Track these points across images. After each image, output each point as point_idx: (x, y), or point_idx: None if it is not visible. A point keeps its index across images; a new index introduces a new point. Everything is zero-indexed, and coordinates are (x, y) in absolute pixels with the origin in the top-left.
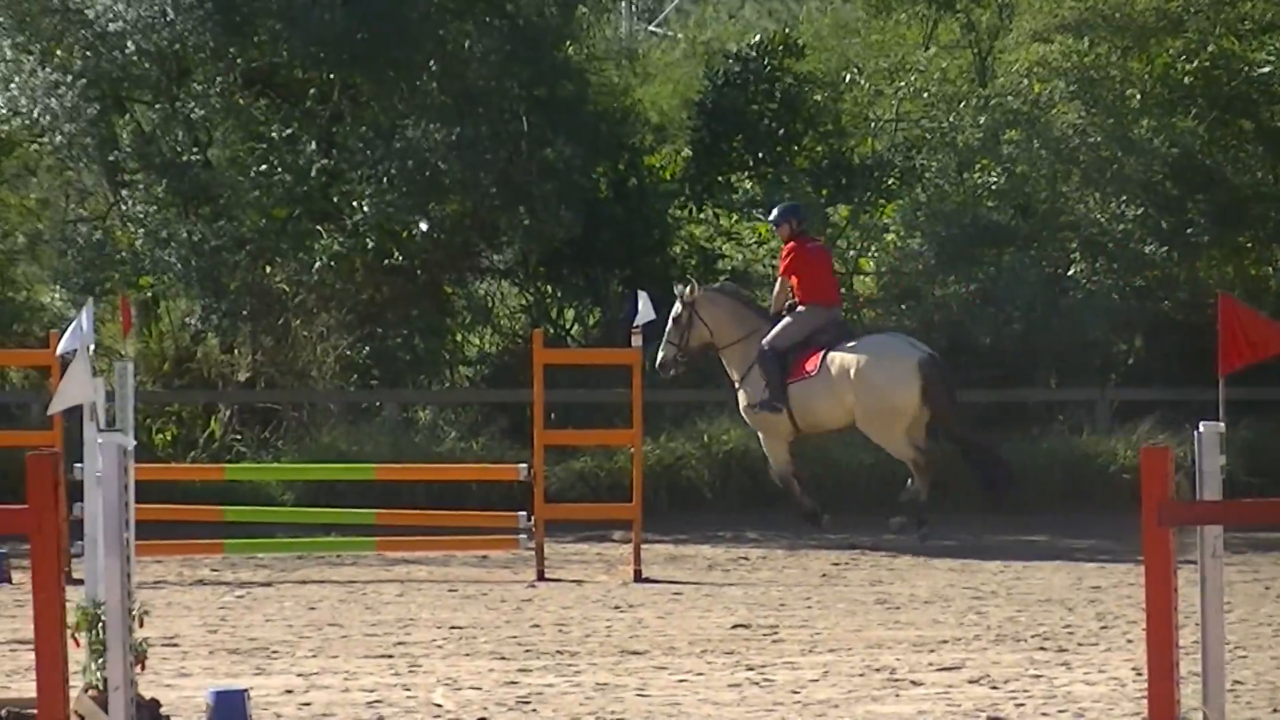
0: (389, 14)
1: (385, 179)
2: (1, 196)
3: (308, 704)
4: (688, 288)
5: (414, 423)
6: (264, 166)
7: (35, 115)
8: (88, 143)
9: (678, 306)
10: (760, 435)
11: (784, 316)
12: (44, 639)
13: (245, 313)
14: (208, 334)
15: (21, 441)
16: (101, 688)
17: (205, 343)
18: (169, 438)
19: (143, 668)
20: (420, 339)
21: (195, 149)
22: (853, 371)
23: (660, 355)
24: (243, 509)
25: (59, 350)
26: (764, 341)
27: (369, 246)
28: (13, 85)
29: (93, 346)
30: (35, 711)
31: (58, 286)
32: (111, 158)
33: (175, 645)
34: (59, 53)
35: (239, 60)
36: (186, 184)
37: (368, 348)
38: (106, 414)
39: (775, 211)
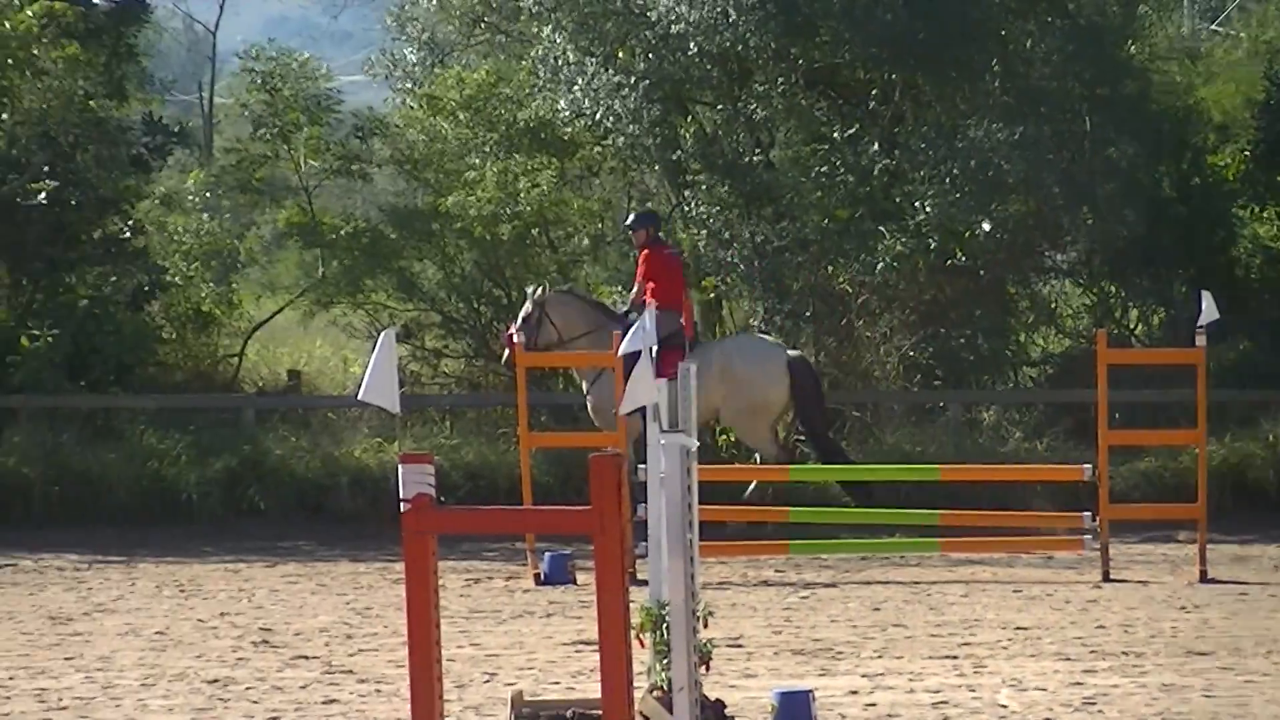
0: (951, 14)
1: (948, 179)
2: (565, 198)
3: (873, 704)
4: (539, 288)
5: (978, 423)
6: (826, 167)
7: (598, 117)
8: (650, 144)
9: (528, 306)
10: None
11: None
12: (608, 640)
13: (808, 313)
14: (771, 335)
15: (585, 442)
16: (666, 688)
17: None
18: (732, 439)
19: (707, 668)
20: (983, 339)
21: (757, 150)
22: (720, 368)
23: (506, 353)
24: (807, 510)
25: (621, 351)
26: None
27: (932, 247)
28: (576, 87)
29: (656, 348)
30: (600, 712)
31: (620, 287)
32: (674, 159)
33: (740, 646)
34: (621, 55)
35: (800, 61)
36: (749, 185)
37: (931, 348)
38: (669, 415)
39: (632, 217)
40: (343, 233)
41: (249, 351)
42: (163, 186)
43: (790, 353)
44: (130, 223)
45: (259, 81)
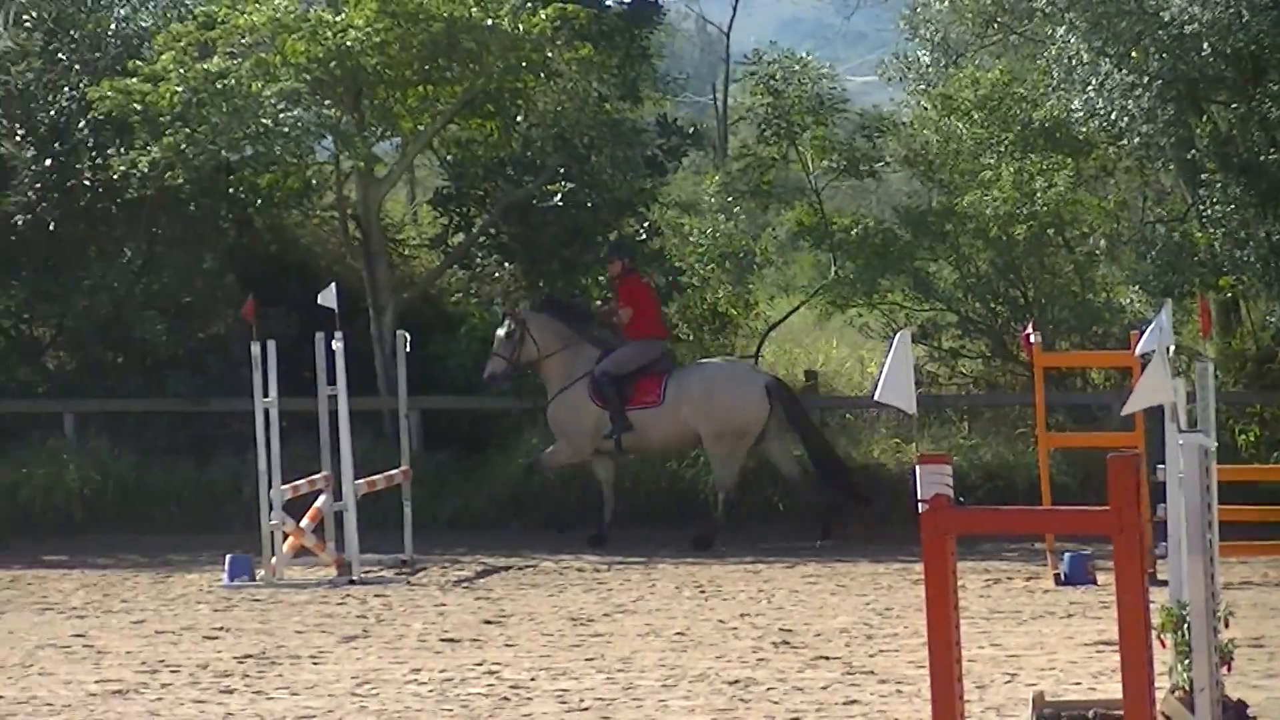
0: None
1: None
2: (1080, 198)
3: None
4: (518, 306)
5: None
6: None
7: (1113, 117)
8: (1165, 144)
9: (509, 323)
10: (564, 441)
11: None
12: (1129, 640)
13: None
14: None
15: (1104, 443)
16: (1187, 689)
17: None
18: (1251, 438)
19: (1229, 669)
20: None
21: (1273, 149)
22: (701, 395)
23: (489, 368)
24: None
25: (1138, 351)
26: (599, 369)
27: None
28: (1090, 88)
29: (1172, 347)
30: (1122, 713)
31: (1136, 287)
32: (1189, 158)
33: (1261, 646)
34: (1135, 54)
35: None
36: (1265, 184)
37: None
38: (1187, 415)
39: (609, 248)
40: (853, 233)
41: (765, 352)
42: (677, 188)
43: (768, 378)
44: (646, 224)
45: (761, 83)
